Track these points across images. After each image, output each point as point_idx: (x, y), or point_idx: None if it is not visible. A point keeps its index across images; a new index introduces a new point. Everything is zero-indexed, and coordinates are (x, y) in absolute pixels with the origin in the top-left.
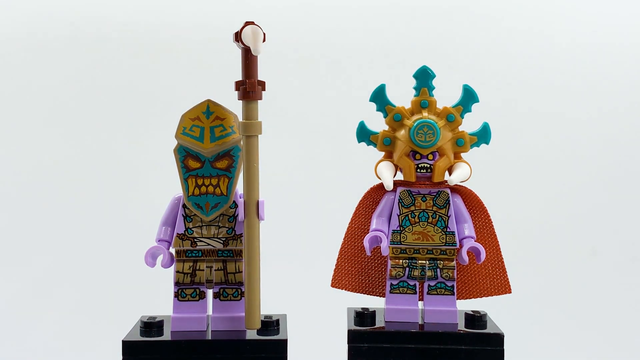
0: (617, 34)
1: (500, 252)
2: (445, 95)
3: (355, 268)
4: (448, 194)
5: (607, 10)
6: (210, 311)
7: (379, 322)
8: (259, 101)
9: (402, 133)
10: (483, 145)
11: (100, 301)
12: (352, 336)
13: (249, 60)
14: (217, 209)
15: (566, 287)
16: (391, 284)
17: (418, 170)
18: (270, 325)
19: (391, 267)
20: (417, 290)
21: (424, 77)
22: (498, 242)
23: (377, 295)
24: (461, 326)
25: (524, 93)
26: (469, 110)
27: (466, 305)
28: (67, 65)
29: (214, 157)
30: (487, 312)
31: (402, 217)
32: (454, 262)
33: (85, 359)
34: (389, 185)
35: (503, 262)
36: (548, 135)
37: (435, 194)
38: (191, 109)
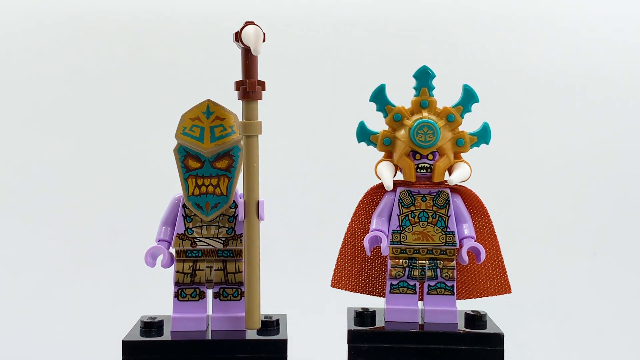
0: (619, 34)
1: (500, 252)
2: (445, 95)
3: (355, 268)
4: (448, 194)
5: (609, 10)
6: (210, 311)
7: (379, 322)
8: (259, 101)
9: (402, 133)
10: (483, 145)
11: (100, 301)
12: (352, 336)
13: (249, 60)
14: (217, 209)
15: (566, 287)
16: (391, 284)
17: (418, 170)
18: (270, 325)
19: (391, 267)
20: (417, 290)
21: (424, 77)
22: (498, 242)
23: (377, 295)
24: (461, 326)
25: (524, 93)
26: (469, 110)
27: (466, 305)
28: (67, 65)
29: (214, 157)
30: (487, 312)
31: (402, 217)
32: (454, 262)
33: (85, 359)
34: (388, 185)
35: (503, 262)
36: (548, 136)
37: (435, 194)
38: (191, 109)
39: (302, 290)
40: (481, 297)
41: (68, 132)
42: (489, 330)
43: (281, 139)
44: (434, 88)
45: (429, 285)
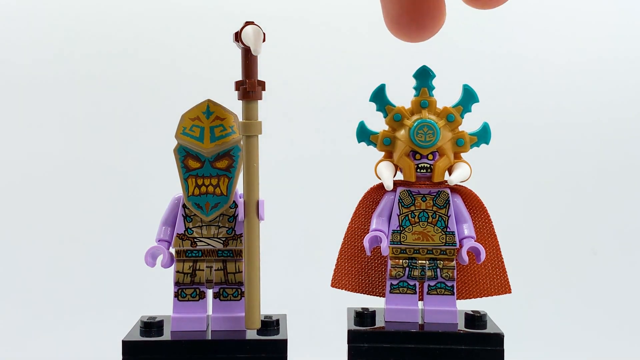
0: (617, 36)
1: (500, 252)
2: (445, 96)
3: (355, 268)
4: (448, 194)
5: (608, 12)
6: (210, 311)
7: (379, 322)
8: (259, 101)
9: (402, 133)
10: (483, 145)
11: (101, 301)
12: (352, 336)
13: (249, 60)
14: (217, 209)
15: (566, 287)
16: (391, 284)
17: (418, 170)
18: (270, 325)
19: (391, 267)
20: (417, 290)
21: (424, 77)
22: (498, 242)
23: (377, 295)
24: (461, 326)
25: (524, 93)
26: (469, 110)
27: (466, 305)
28: (67, 64)
29: (214, 157)
30: (487, 312)
31: (402, 217)
32: (454, 262)
33: (86, 359)
34: (388, 185)
35: (503, 262)
36: (548, 136)
37: (435, 194)
38: (191, 109)
39: (302, 290)
40: (481, 297)
41: (68, 132)
42: (489, 330)
43: (281, 139)
44: (434, 88)
45: (429, 285)
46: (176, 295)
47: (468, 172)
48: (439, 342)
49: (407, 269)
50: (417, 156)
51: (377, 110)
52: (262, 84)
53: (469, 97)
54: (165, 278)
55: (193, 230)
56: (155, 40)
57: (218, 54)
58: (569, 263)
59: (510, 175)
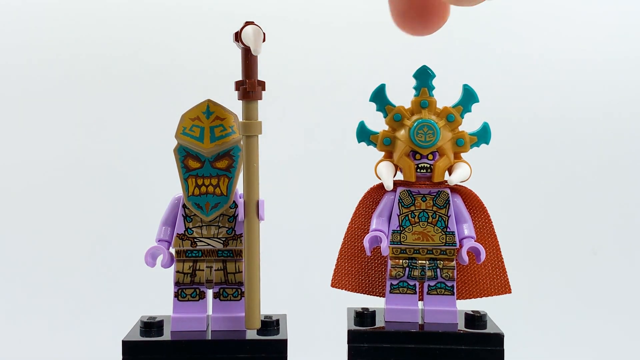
0: (616, 35)
1: (500, 252)
2: (445, 96)
3: (355, 268)
4: (448, 194)
5: (608, 11)
6: (210, 311)
7: (379, 322)
8: (259, 101)
9: (402, 133)
10: (483, 145)
11: (100, 301)
12: (352, 336)
13: (249, 60)
14: (217, 209)
15: (566, 287)
16: (391, 284)
17: (418, 170)
18: (270, 325)
19: (391, 267)
20: (417, 290)
21: (424, 77)
22: (498, 242)
23: (377, 295)
24: (461, 326)
25: (524, 93)
26: (469, 110)
27: (466, 305)
28: (67, 64)
29: (214, 157)
30: (487, 312)
31: (402, 217)
32: (454, 262)
33: (86, 359)
34: (388, 185)
35: (503, 262)
36: (548, 136)
37: (435, 194)
38: (191, 109)
39: (302, 290)
40: (481, 297)
41: (68, 132)
42: (489, 330)
43: (281, 139)
44: (434, 88)
45: (429, 285)
46: (176, 295)
47: (468, 172)
48: (439, 342)
49: (407, 269)
50: (417, 156)
51: (377, 110)
52: (262, 84)
53: (469, 97)
54: (165, 278)
55: (193, 230)
56: (156, 40)
57: (218, 54)
58: (569, 263)
59: (510, 175)
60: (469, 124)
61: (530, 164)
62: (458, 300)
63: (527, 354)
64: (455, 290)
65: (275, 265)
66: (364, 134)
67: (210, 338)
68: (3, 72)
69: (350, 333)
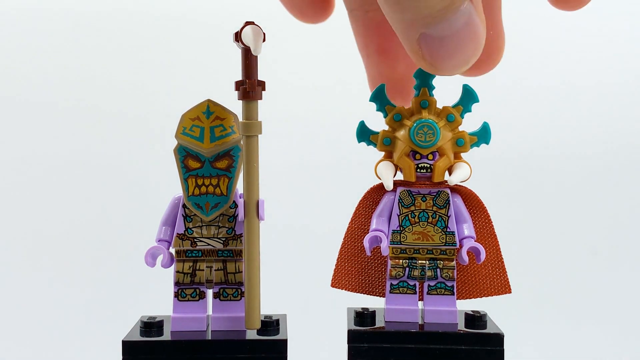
0: (617, 35)
1: (500, 252)
2: (445, 96)
3: (355, 268)
4: (448, 194)
5: (607, 11)
6: (210, 311)
7: (379, 322)
8: (259, 101)
9: (402, 133)
10: (483, 145)
11: (100, 301)
12: (352, 336)
13: (249, 60)
14: (217, 209)
15: (566, 287)
16: (391, 284)
17: (418, 170)
18: (270, 325)
19: (391, 267)
20: (417, 290)
21: (424, 77)
22: (498, 242)
23: (377, 295)
24: (461, 326)
25: (524, 93)
26: (469, 110)
27: (466, 305)
28: (66, 64)
29: (214, 157)
30: (487, 312)
31: (402, 217)
32: (454, 262)
33: (86, 359)
34: (388, 185)
35: (503, 262)
36: (548, 135)
37: (435, 194)
38: (191, 109)
39: (302, 290)
40: (481, 297)
41: (68, 132)
42: (489, 330)
43: (281, 139)
44: (434, 88)
45: (429, 285)
46: (176, 295)
47: (468, 172)
48: (439, 342)
49: (407, 269)
50: (417, 156)
51: (377, 110)
52: (262, 84)
53: (469, 97)
54: (165, 278)
55: (193, 230)
56: (156, 40)
57: (218, 54)
58: (569, 263)
59: (510, 175)
60: (470, 124)
61: (530, 164)
62: (458, 300)
63: (527, 354)
64: (455, 290)
65: (275, 265)
66: (364, 134)
67: (210, 338)
68: (3, 72)
69: (350, 333)
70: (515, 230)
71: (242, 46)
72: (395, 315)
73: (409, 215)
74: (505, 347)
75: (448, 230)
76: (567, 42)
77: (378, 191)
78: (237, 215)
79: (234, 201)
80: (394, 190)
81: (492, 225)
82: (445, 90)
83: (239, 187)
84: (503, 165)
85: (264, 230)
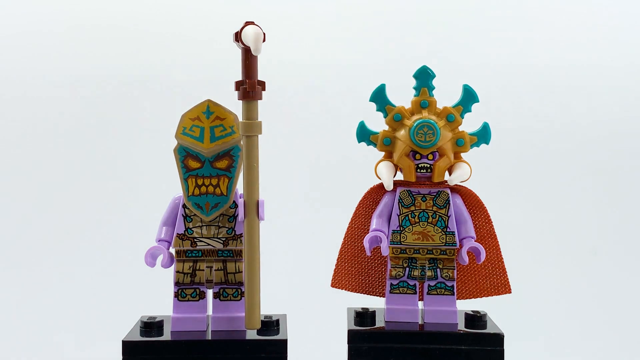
0: (617, 34)
1: (500, 252)
2: (445, 96)
3: (355, 268)
4: (448, 194)
5: (608, 10)
6: (210, 311)
7: (379, 322)
8: (259, 101)
9: (402, 133)
10: (483, 145)
11: (101, 301)
12: (352, 336)
13: (249, 60)
14: (217, 209)
15: (566, 287)
16: (391, 284)
17: (418, 170)
18: (270, 325)
19: (391, 267)
20: (417, 290)
21: (424, 77)
22: (498, 242)
23: (377, 295)
24: (461, 326)
25: (524, 93)
26: (469, 110)
27: (466, 305)
28: (66, 63)
29: (214, 157)
30: (487, 312)
31: (402, 217)
32: (454, 262)
33: (86, 359)
34: (388, 185)
35: (503, 262)
36: (548, 135)
37: (435, 194)
38: (191, 109)
39: (302, 290)
40: (481, 297)
41: (68, 132)
42: (489, 330)
43: (281, 139)
44: (434, 88)
45: (429, 285)
46: (176, 295)
47: (468, 172)
48: (439, 342)
49: (407, 269)
50: (417, 156)
51: (377, 110)
52: (262, 84)
53: (469, 97)
54: (165, 278)
55: (193, 230)
56: (156, 40)
57: (218, 54)
58: (569, 263)
59: (510, 175)
60: (469, 124)
61: (530, 163)
62: (458, 300)
63: (527, 354)
64: (455, 290)
65: (275, 265)
66: (364, 134)
67: (210, 338)
68: (3, 72)
69: (350, 333)
70: (515, 230)
71: (242, 46)
72: (396, 315)
73: (409, 215)
74: (505, 347)
75: (448, 230)
76: (567, 41)
77: (378, 191)
78: (237, 215)
79: (234, 201)
80: (394, 190)
81: (492, 225)
82: (445, 91)
83: (239, 187)
84: (503, 165)
85: (264, 230)
